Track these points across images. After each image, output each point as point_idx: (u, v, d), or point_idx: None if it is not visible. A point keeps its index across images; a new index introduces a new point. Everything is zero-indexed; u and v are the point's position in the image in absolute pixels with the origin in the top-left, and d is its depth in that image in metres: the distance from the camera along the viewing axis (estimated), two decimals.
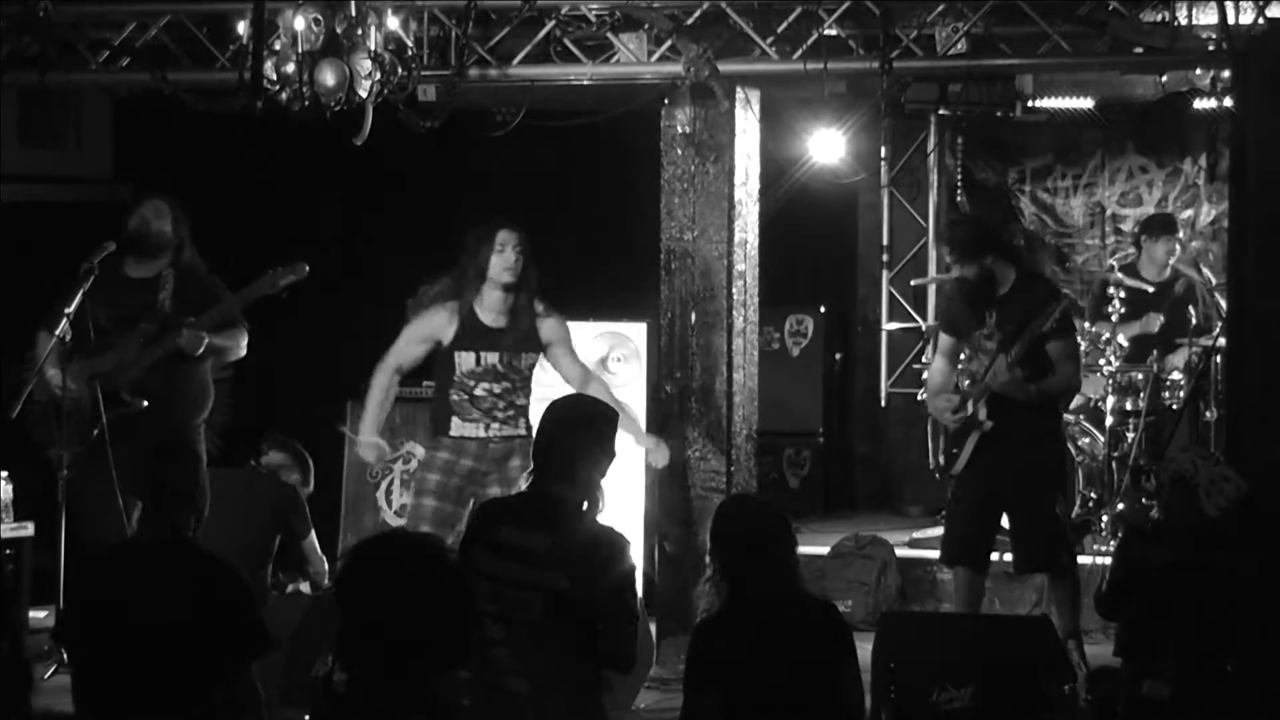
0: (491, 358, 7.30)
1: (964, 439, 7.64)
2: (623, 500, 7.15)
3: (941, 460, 8.02)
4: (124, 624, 5.12)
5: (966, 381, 7.89)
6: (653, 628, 7.81)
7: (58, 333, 7.46)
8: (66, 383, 7.51)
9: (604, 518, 5.33)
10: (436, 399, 7.42)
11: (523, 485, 6.89)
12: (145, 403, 7.52)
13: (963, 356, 7.91)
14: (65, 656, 7.26)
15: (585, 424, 5.40)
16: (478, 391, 7.31)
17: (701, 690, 4.98)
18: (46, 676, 7.33)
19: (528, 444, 7.21)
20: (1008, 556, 8.01)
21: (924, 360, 11.41)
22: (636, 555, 7.30)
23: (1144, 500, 8.68)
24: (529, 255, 7.33)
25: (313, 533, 8.15)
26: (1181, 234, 10.40)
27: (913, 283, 11.32)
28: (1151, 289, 9.74)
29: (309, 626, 6.90)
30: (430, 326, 7.36)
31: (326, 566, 8.19)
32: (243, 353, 7.79)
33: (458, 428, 7.30)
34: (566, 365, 7.46)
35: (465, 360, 7.31)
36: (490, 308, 7.31)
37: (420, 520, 7.22)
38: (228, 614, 5.23)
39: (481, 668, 5.04)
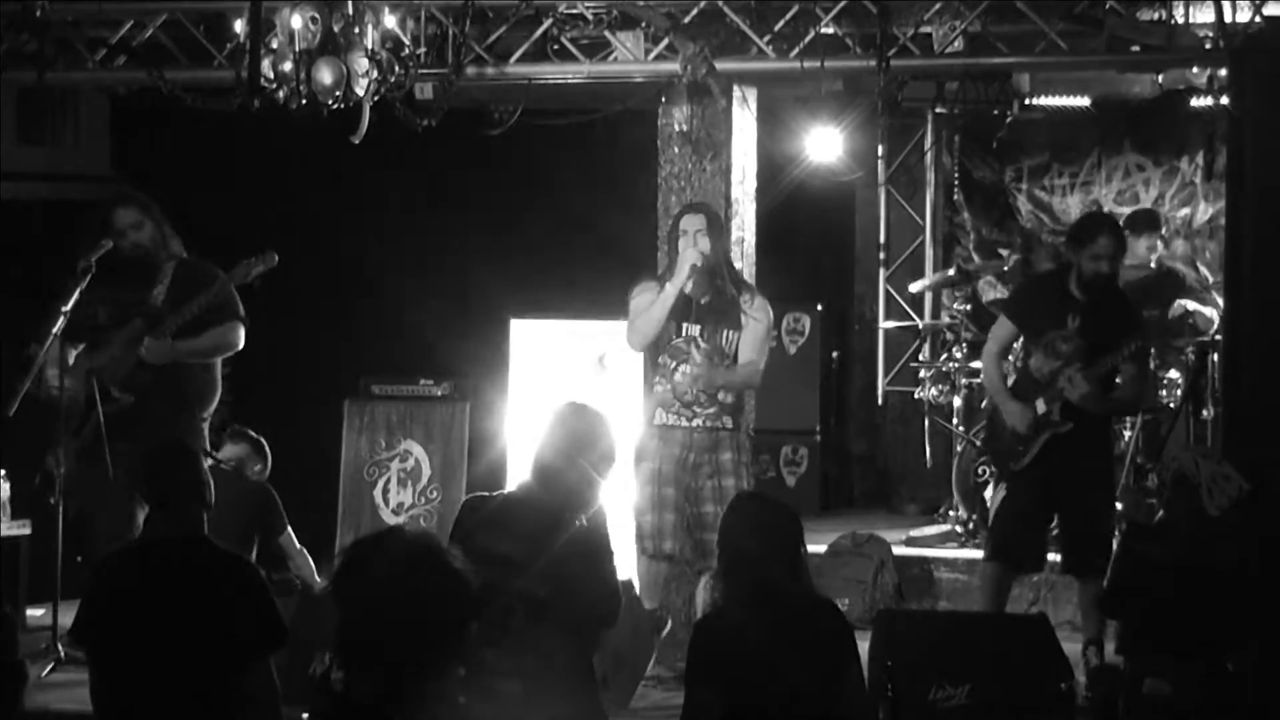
0: (693, 330, 7.38)
1: (1034, 438, 7.52)
2: (622, 497, 7.12)
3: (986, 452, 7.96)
4: (146, 620, 5.17)
5: (1013, 377, 7.87)
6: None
7: (55, 330, 7.45)
8: (63, 379, 7.51)
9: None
10: (647, 395, 7.52)
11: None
12: (132, 398, 7.51)
13: (1015, 347, 7.91)
14: (69, 654, 7.28)
15: (571, 431, 5.39)
16: (678, 376, 7.37)
17: (703, 688, 4.96)
18: (46, 674, 7.34)
19: (738, 437, 7.42)
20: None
21: (921, 358, 11.41)
22: (630, 551, 7.34)
23: (1147, 499, 8.66)
24: (717, 234, 7.45)
25: (289, 528, 8.12)
26: (1164, 230, 10.37)
27: (912, 288, 11.29)
28: (1144, 275, 9.71)
29: (304, 624, 6.89)
30: (644, 303, 7.45)
31: (309, 560, 8.17)
32: (238, 346, 7.71)
33: (661, 418, 7.41)
34: (740, 352, 7.46)
35: (668, 332, 7.41)
36: (693, 285, 7.36)
37: (664, 508, 7.37)
38: (246, 608, 5.28)
39: (472, 669, 5.03)
